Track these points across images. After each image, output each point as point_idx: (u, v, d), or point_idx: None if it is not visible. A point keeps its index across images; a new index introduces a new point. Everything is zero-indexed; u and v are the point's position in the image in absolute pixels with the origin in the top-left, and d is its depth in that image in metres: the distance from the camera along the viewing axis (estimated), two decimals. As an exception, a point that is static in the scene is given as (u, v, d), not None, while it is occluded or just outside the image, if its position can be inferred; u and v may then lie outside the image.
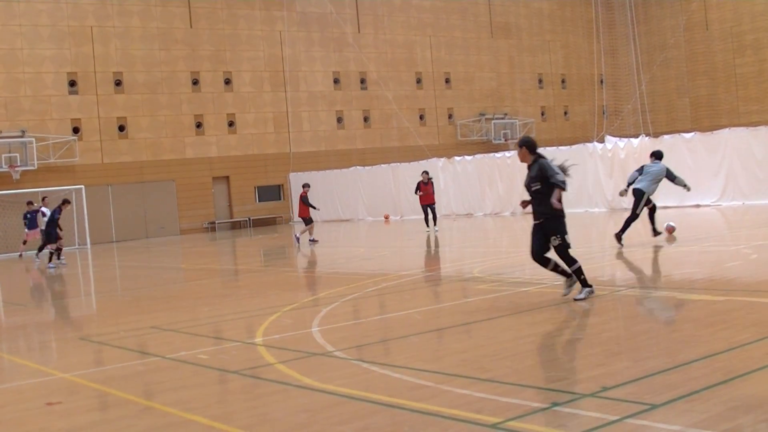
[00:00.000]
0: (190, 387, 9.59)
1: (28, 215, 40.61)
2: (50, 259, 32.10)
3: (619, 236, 21.55)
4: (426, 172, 36.02)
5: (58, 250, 32.30)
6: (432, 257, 25.67)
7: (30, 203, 41.11)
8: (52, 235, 32.13)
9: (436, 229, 34.96)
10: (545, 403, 7.52)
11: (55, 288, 25.93)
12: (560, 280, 13.69)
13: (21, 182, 45.83)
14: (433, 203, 35.46)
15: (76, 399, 9.56)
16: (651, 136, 38.54)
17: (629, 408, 7.08)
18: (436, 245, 29.70)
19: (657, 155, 22.45)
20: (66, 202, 32.63)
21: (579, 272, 13.29)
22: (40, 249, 35.66)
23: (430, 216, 35.11)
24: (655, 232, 22.48)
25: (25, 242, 41.28)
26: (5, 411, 9.30)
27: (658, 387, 7.72)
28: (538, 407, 7.40)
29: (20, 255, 41.76)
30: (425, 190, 35.21)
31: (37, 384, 10.56)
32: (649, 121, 60.67)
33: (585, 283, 13.30)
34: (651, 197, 22.03)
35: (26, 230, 40.67)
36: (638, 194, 21.85)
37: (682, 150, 35.25)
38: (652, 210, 22.39)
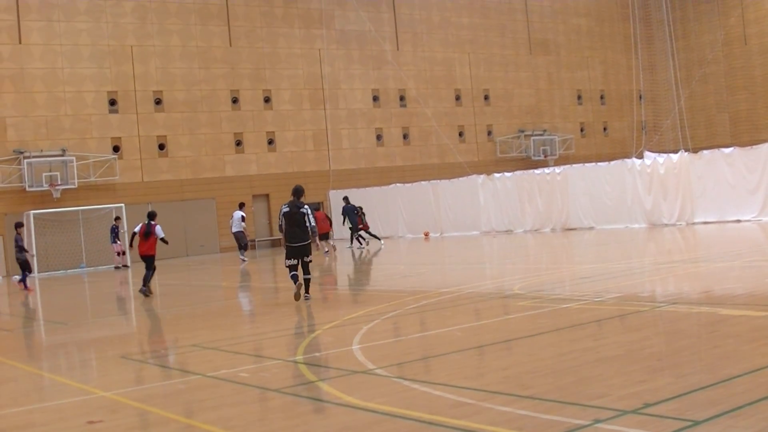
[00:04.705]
0: (231, 405, 9.60)
1: (115, 229, 43.79)
2: (357, 240, 41.64)
3: None
4: (345, 198, 43.77)
5: (359, 237, 41.83)
6: (472, 274, 25.55)
7: (118, 218, 44.18)
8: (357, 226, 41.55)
9: (382, 243, 43.40)
10: (587, 420, 7.47)
11: (97, 306, 26.09)
12: (599, 297, 13.65)
13: (62, 200, 46.16)
14: (367, 228, 43.07)
15: (117, 417, 9.61)
16: (690, 152, 38.28)
17: (672, 424, 7.04)
18: (478, 262, 29.66)
19: None
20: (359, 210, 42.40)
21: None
22: (243, 247, 39.22)
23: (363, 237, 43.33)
24: None
25: (118, 254, 43.98)
26: (46, 429, 9.36)
27: (700, 403, 7.67)
28: (580, 424, 7.37)
29: (122, 266, 43.94)
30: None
31: (79, 402, 10.62)
32: (689, 137, 60.18)
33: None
34: None
35: (116, 243, 43.79)
36: None
37: (721, 165, 35.05)
38: None
